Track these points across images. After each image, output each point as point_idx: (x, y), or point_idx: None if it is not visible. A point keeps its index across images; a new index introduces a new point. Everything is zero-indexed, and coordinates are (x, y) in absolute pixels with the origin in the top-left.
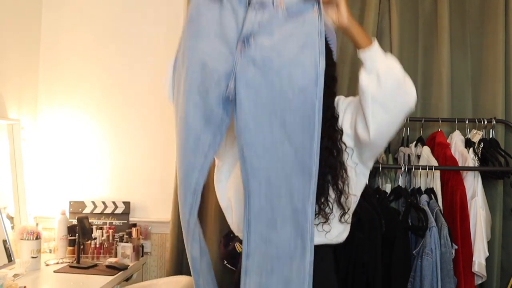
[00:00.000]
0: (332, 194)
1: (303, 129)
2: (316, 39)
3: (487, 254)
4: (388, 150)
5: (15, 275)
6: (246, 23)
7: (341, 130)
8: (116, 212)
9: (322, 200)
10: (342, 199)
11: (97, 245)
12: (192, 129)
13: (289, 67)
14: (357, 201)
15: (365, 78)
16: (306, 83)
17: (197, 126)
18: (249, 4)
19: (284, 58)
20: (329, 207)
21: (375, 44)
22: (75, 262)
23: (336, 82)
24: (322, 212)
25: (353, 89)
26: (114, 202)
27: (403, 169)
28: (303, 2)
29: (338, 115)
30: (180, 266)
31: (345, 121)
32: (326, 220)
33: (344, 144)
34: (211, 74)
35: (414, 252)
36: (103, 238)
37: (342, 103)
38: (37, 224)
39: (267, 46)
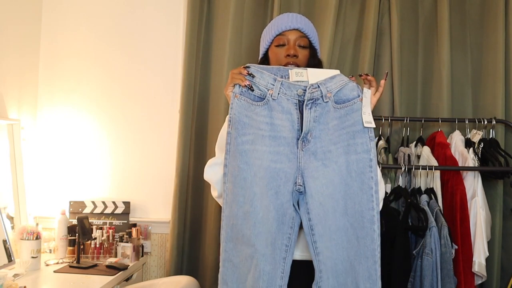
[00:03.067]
0: None
1: (363, 213)
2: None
3: (487, 254)
4: (388, 150)
5: (15, 275)
6: (305, 123)
7: None
8: (116, 212)
9: None
10: None
11: (97, 245)
12: (269, 233)
13: (345, 154)
14: None
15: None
16: (361, 167)
17: (273, 230)
18: (299, 101)
19: (340, 146)
20: None
21: None
22: (75, 262)
23: None
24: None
25: None
26: (114, 202)
27: (403, 169)
28: (349, 91)
29: None
30: (180, 266)
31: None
32: None
33: None
34: (278, 175)
35: (414, 252)
36: (103, 238)
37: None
38: (37, 224)
39: (324, 138)
